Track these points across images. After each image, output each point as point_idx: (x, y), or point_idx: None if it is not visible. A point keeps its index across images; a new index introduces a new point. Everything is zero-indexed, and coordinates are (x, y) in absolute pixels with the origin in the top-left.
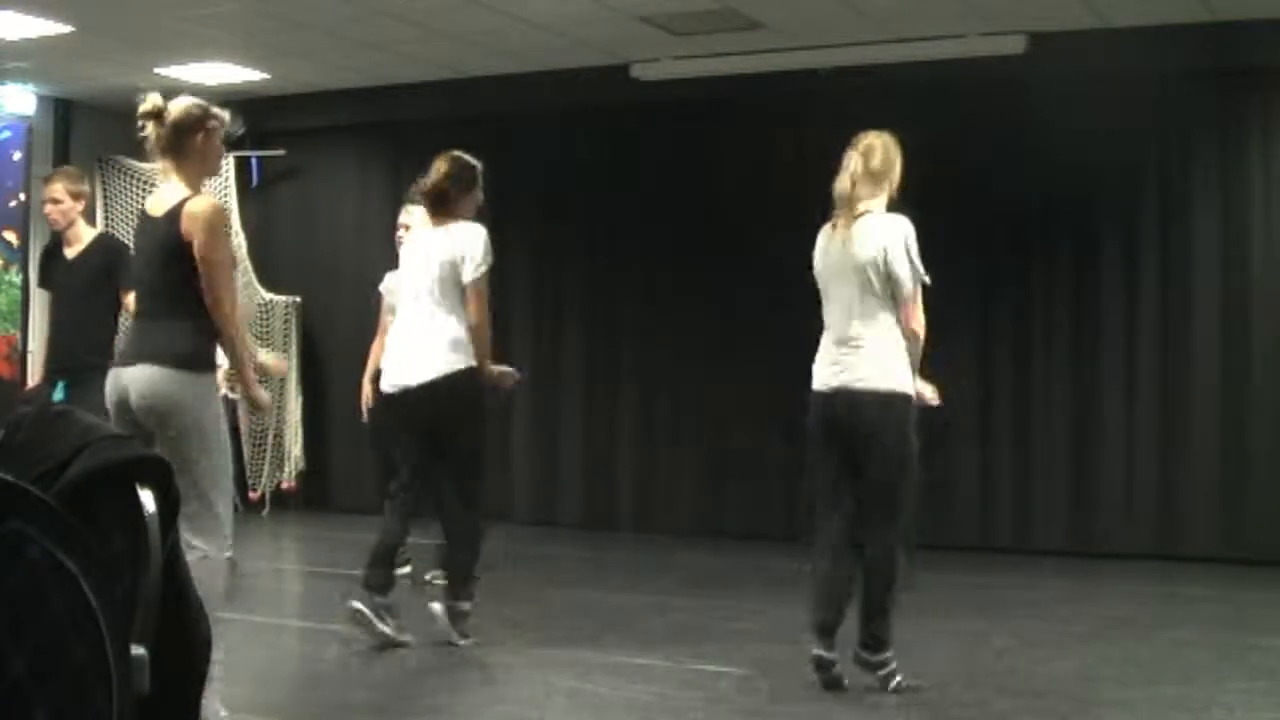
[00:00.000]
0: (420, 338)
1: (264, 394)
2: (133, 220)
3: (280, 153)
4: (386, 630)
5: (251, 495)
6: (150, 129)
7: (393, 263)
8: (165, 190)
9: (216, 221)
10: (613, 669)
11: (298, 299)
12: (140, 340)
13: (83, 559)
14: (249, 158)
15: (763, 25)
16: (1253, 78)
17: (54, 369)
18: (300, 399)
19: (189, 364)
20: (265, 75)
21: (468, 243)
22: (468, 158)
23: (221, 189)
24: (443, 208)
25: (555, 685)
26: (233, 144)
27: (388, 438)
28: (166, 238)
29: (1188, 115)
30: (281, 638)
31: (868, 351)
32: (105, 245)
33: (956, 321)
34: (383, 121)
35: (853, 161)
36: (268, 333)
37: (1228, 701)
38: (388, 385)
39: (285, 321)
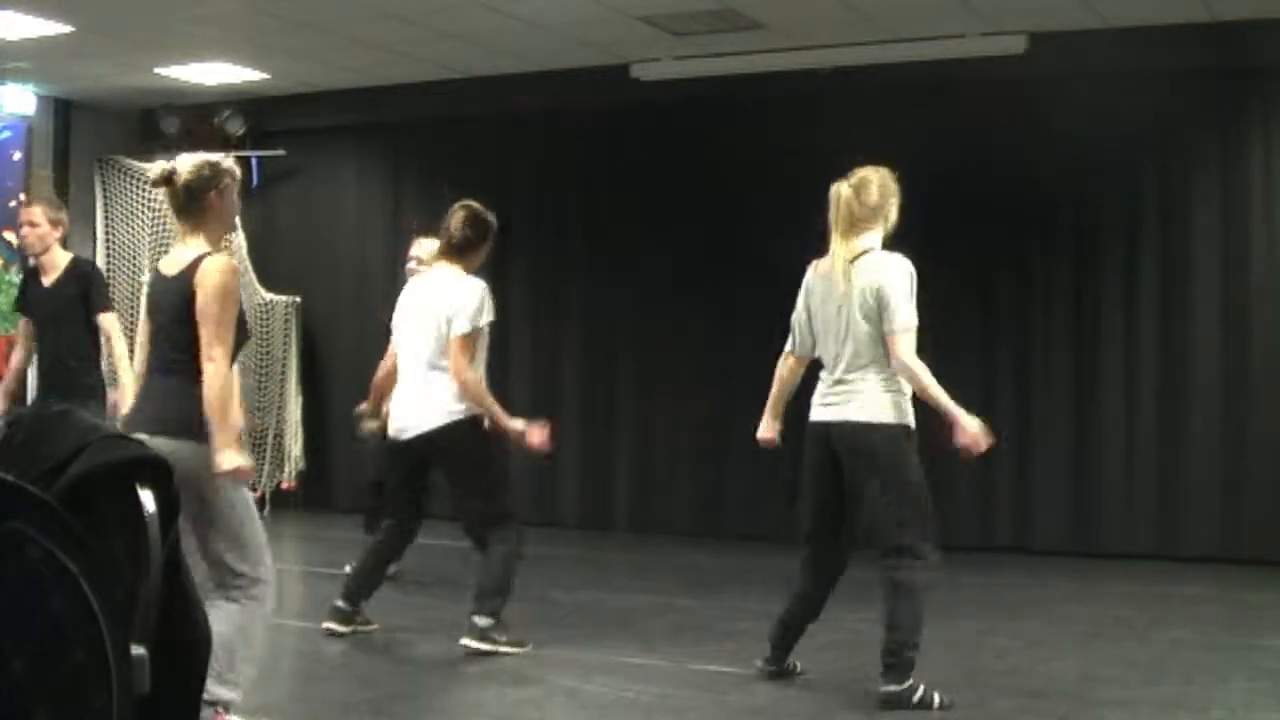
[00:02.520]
0: (424, 388)
1: (240, 460)
2: (133, 220)
3: (280, 153)
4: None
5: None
6: (163, 195)
7: (394, 276)
8: (182, 250)
9: (226, 281)
10: (613, 669)
11: (298, 299)
12: (152, 405)
13: (83, 559)
14: (249, 158)
15: (763, 25)
16: (1253, 78)
17: (46, 397)
18: (300, 399)
19: (202, 433)
20: (265, 75)
21: (463, 298)
22: (485, 212)
23: None
24: (457, 256)
25: (555, 685)
26: (233, 144)
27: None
28: (180, 296)
29: (1188, 115)
30: (281, 638)
31: (866, 385)
32: (78, 272)
33: (956, 322)
34: (383, 121)
35: (845, 196)
36: (268, 333)
37: (1228, 701)
38: (393, 433)
39: (285, 321)
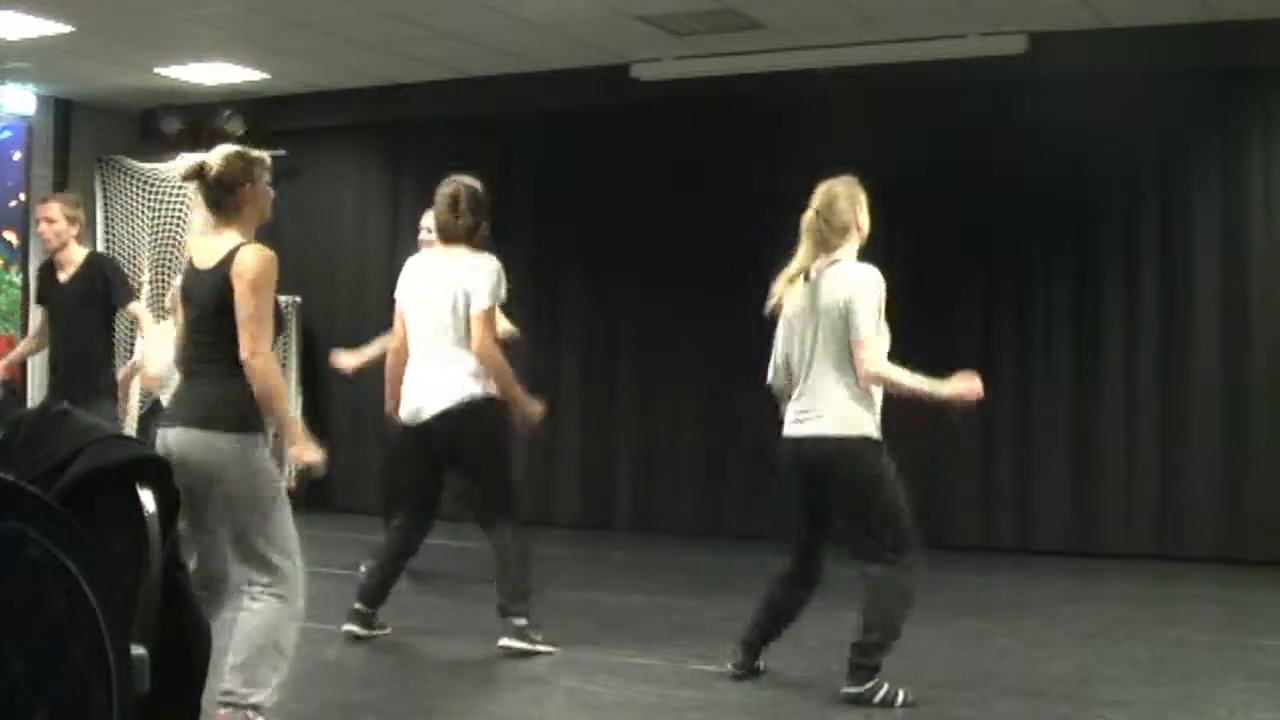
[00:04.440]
0: (438, 368)
1: (314, 452)
2: (133, 220)
3: (280, 153)
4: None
5: None
6: (196, 188)
7: (394, 276)
8: (216, 240)
9: (263, 272)
10: (613, 669)
11: (298, 299)
12: (188, 399)
13: (83, 559)
14: None
15: (763, 25)
16: (1253, 78)
17: (59, 392)
18: (300, 399)
19: (236, 426)
20: (265, 75)
21: (479, 274)
22: (474, 183)
23: None
24: (454, 235)
25: (555, 685)
26: (233, 144)
27: (399, 466)
28: (216, 289)
29: (1188, 115)
30: None
31: (832, 399)
32: (96, 265)
33: (956, 321)
34: (383, 121)
35: (814, 214)
36: None
37: (1228, 701)
38: (407, 418)
39: (285, 321)
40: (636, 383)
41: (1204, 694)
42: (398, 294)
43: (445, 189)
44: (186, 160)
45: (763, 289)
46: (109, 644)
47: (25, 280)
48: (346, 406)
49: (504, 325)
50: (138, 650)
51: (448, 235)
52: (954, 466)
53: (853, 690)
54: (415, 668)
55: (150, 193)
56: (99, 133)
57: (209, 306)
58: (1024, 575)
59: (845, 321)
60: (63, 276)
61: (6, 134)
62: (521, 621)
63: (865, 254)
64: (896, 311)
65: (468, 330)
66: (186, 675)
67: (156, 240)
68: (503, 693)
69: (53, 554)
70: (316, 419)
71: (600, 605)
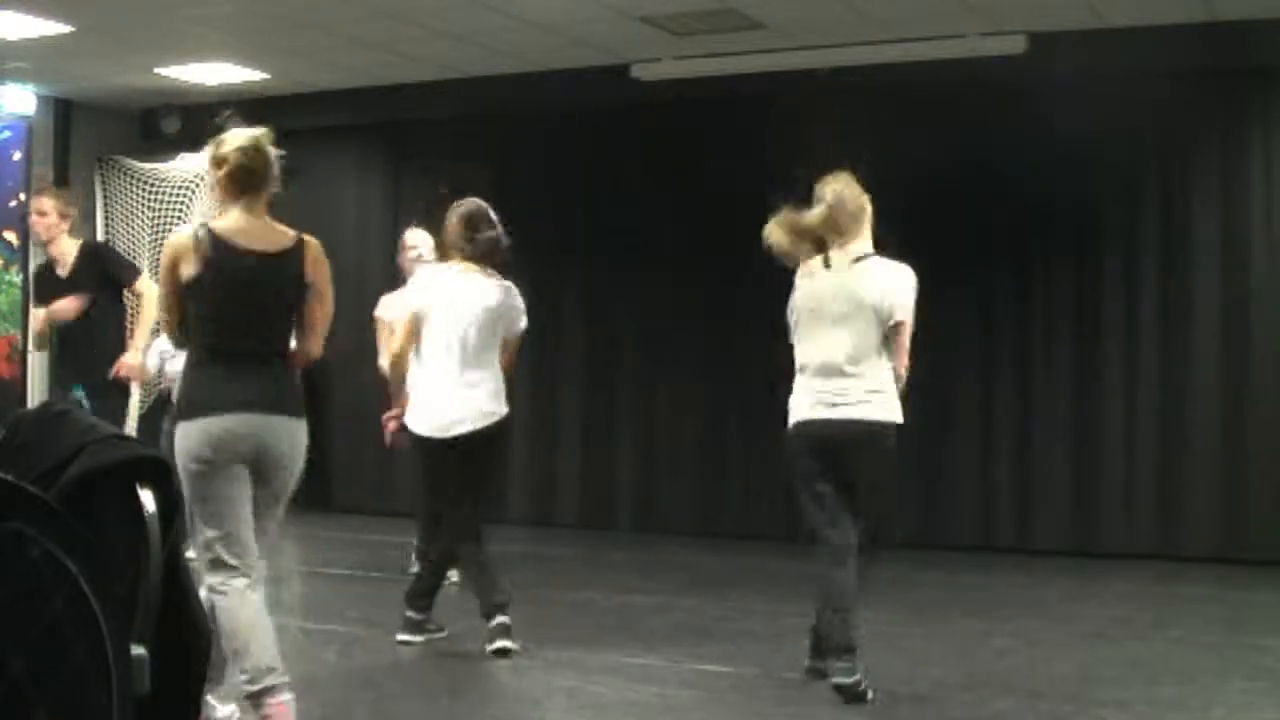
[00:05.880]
0: (469, 387)
1: None
2: (133, 220)
3: (280, 153)
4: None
5: None
6: (215, 177)
7: (391, 271)
8: (259, 226)
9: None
10: (613, 669)
11: None
12: (275, 387)
13: (83, 559)
14: None
15: (763, 25)
16: (1253, 78)
17: (70, 378)
18: None
19: (305, 413)
20: (265, 75)
21: (513, 298)
22: (482, 204)
23: None
24: (482, 259)
25: (555, 685)
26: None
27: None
28: (290, 279)
29: (1188, 115)
30: (281, 638)
31: (868, 385)
32: (92, 254)
33: (957, 321)
34: (383, 121)
35: (826, 208)
36: None
37: (1228, 701)
38: (431, 430)
39: None
40: (636, 383)
41: (1204, 694)
42: (415, 306)
43: (458, 210)
44: (209, 147)
45: (762, 289)
46: (109, 644)
47: (25, 280)
48: (346, 407)
49: None
50: (138, 650)
51: (472, 255)
52: (954, 466)
53: (849, 681)
54: (415, 668)
55: (150, 193)
56: (99, 133)
57: (284, 293)
58: (1024, 575)
59: (884, 316)
60: (62, 272)
61: (6, 134)
62: (507, 619)
63: None
64: None
65: (491, 349)
66: (186, 675)
67: (156, 240)
68: (503, 693)
69: (53, 554)
70: (316, 420)
71: (600, 605)
